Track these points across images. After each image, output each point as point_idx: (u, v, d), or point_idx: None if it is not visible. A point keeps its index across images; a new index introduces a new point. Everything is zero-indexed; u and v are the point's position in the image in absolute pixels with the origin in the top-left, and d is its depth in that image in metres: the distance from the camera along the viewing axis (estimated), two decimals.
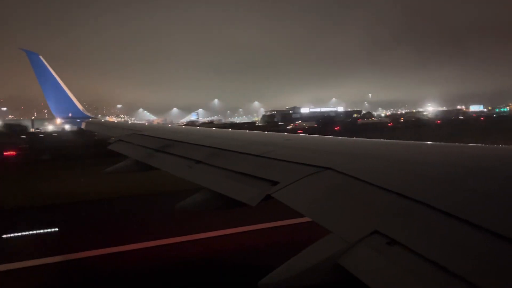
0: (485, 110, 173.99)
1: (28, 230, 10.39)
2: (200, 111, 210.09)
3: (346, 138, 3.91)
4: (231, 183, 3.14)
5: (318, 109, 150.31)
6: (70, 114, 10.80)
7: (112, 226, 10.90)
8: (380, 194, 2.04)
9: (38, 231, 10.39)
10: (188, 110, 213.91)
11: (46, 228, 10.44)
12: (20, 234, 10.25)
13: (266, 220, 10.07)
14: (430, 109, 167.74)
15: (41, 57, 10.36)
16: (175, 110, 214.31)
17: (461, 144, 2.81)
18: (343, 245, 1.71)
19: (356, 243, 1.70)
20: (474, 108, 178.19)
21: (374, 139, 3.71)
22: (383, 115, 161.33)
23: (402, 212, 1.81)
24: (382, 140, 3.65)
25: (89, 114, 11.27)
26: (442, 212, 1.66)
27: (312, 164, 2.76)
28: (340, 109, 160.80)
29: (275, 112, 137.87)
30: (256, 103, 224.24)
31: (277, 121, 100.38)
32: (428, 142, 3.21)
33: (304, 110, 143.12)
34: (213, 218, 10.04)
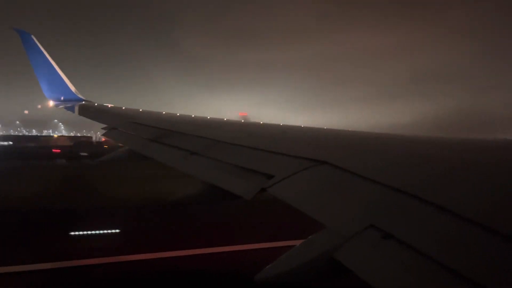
0: None
1: None
2: None
3: (343, 130, 3.89)
4: (226, 176, 3.12)
5: None
6: (62, 98, 10.37)
7: None
8: (376, 188, 2.03)
9: None
10: None
11: None
12: None
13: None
14: None
15: (33, 37, 10.11)
16: None
17: (461, 138, 2.80)
18: (338, 239, 1.71)
19: (352, 237, 1.69)
20: None
21: (370, 132, 3.69)
22: None
23: (398, 206, 1.81)
24: (378, 133, 3.64)
25: (82, 97, 10.52)
26: (438, 207, 1.66)
27: (307, 158, 2.74)
28: None
29: None
30: None
31: None
32: (427, 136, 3.20)
33: None
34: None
